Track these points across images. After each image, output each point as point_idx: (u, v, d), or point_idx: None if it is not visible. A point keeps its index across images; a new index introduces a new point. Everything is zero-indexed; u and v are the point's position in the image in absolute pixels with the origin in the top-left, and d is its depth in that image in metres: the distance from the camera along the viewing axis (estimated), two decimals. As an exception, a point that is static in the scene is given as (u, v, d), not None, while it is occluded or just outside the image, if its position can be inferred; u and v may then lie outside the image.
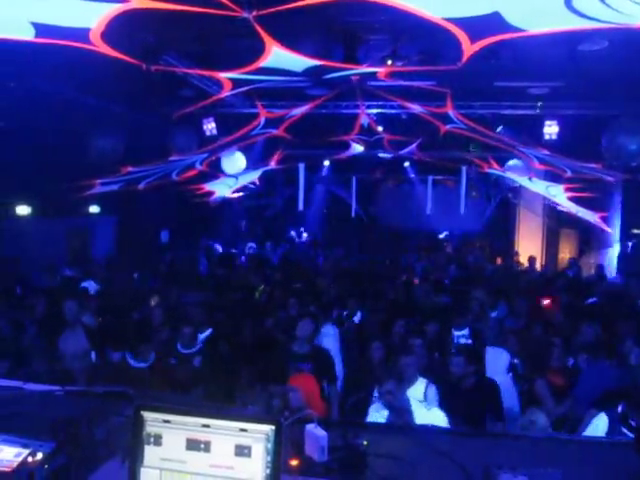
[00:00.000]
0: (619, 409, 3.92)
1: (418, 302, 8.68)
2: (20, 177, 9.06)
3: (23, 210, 10.72)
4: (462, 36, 5.35)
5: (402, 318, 6.81)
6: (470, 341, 6.57)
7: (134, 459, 1.74)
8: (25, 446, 1.87)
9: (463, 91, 8.82)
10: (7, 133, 7.93)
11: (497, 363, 5.68)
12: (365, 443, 2.08)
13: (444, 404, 4.55)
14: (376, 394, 4.64)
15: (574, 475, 2.01)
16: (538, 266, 14.44)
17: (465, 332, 6.77)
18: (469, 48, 5.72)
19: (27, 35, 4.86)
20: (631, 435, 3.58)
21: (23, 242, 10.48)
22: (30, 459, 1.81)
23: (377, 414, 4.05)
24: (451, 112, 9.47)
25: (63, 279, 9.72)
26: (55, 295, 7.57)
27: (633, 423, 3.79)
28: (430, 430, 2.67)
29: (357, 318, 7.85)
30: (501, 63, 6.87)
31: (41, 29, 4.79)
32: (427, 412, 3.98)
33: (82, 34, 5.13)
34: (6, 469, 1.74)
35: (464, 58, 6.06)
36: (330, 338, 6.53)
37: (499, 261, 15.44)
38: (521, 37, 5.18)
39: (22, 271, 9.80)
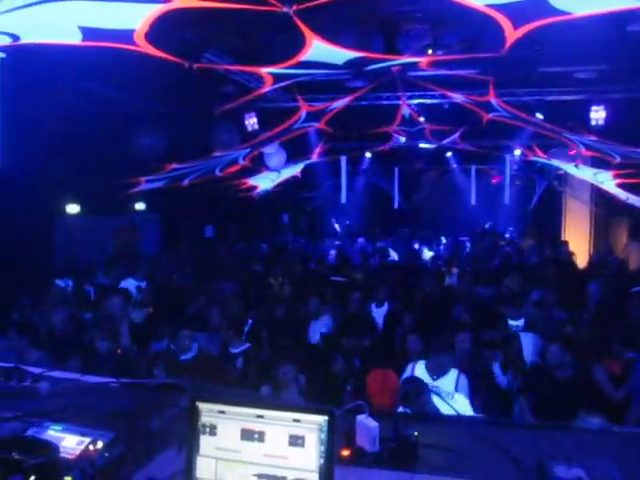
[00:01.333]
0: None
1: (459, 294, 8.61)
2: (70, 177, 9.33)
3: (73, 209, 11.03)
4: (505, 22, 5.25)
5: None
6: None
7: (190, 449, 1.78)
8: (86, 435, 1.93)
9: (506, 78, 8.66)
10: (58, 135, 8.16)
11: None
12: (416, 434, 2.09)
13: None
14: (407, 374, 4.70)
15: (631, 468, 1.97)
16: (586, 255, 14.11)
17: (520, 323, 6.70)
18: (512, 34, 5.60)
19: (75, 39, 4.99)
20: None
21: (73, 240, 10.80)
22: (91, 447, 1.87)
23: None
24: (494, 100, 9.32)
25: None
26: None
27: None
28: (481, 421, 2.65)
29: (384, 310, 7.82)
30: (545, 48, 6.73)
31: (88, 33, 4.92)
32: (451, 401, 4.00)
33: (127, 35, 5.24)
34: (70, 456, 1.81)
35: (507, 45, 5.94)
36: None
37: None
38: (566, 20, 5.05)
39: (76, 268, 10.07)
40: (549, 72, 8.69)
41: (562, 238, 16.01)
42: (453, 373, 4.82)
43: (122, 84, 8.23)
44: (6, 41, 4.79)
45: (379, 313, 7.72)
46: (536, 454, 2.01)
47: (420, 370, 4.86)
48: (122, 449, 1.93)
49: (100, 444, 1.89)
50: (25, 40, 4.86)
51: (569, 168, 13.65)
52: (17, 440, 1.76)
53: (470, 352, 5.69)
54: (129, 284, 8.63)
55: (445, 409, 3.90)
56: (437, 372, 4.81)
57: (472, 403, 4.60)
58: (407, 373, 4.85)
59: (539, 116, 10.01)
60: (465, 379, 4.79)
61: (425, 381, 4.55)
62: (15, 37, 4.75)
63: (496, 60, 6.74)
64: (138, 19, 4.86)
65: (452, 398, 4.56)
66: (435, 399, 4.05)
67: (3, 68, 5.46)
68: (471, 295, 8.38)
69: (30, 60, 5.70)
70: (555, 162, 13.62)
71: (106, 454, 1.86)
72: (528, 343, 5.84)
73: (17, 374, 2.61)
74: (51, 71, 6.62)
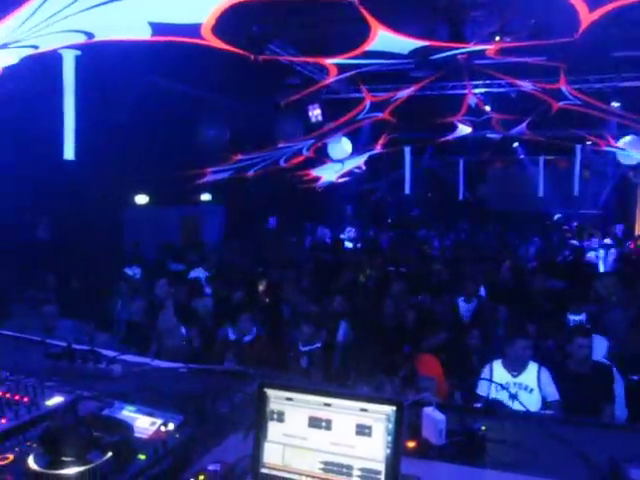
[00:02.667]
0: None
1: (530, 287, 8.39)
2: (138, 168, 9.64)
3: (142, 199, 11.38)
4: (579, 4, 5.04)
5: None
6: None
7: (258, 434, 1.81)
8: (157, 417, 2.00)
9: (577, 65, 8.34)
10: (128, 128, 8.43)
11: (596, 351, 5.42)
12: (483, 428, 2.05)
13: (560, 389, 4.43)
14: (486, 375, 4.62)
15: None
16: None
17: (582, 317, 6.49)
18: (587, 17, 5.38)
19: (145, 35, 5.13)
20: None
21: (142, 229, 11.15)
22: (163, 428, 1.94)
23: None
24: (564, 88, 8.99)
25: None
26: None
27: None
28: (550, 417, 2.59)
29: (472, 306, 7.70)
30: (621, 31, 6.44)
31: (157, 28, 5.04)
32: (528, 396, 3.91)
33: (194, 30, 5.35)
34: (144, 436, 1.88)
35: (581, 28, 5.70)
36: None
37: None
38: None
39: (142, 256, 10.41)
40: (625, 56, 8.32)
41: (637, 232, 15.34)
42: (533, 367, 4.68)
43: (189, 78, 8.40)
44: (81, 39, 4.97)
45: (467, 309, 7.64)
46: (608, 454, 1.94)
47: (498, 369, 4.75)
48: (191, 431, 1.98)
49: (171, 426, 1.94)
50: (98, 38, 5.02)
51: (644, 158, 13.06)
52: (95, 419, 1.84)
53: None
54: (199, 273, 8.87)
55: (529, 405, 3.81)
56: (516, 368, 4.71)
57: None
58: (485, 374, 4.75)
59: (615, 104, 9.60)
60: (547, 372, 4.65)
61: (505, 380, 4.49)
62: (90, 35, 4.92)
63: (567, 45, 6.49)
64: (205, 13, 4.95)
65: (532, 393, 4.48)
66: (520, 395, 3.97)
67: (78, 65, 5.69)
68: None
69: (103, 57, 5.88)
70: (629, 152, 13.03)
71: (177, 435, 1.91)
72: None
73: (93, 357, 2.72)
74: (122, 67, 6.82)
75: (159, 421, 1.97)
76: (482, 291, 8.22)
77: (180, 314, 6.34)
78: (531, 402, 4.29)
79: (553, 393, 4.56)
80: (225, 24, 5.41)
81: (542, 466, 1.98)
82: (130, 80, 7.77)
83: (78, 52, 5.63)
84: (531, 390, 4.55)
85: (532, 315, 6.19)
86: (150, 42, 5.39)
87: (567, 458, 2.01)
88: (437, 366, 5.09)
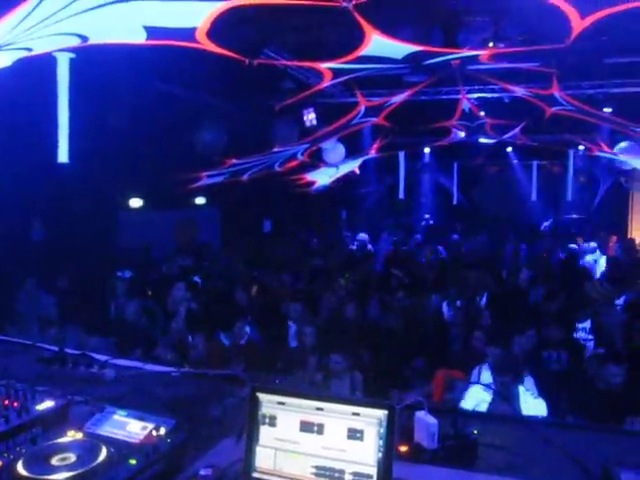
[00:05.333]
0: None
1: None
2: (133, 172, 9.63)
3: (136, 202, 11.36)
4: (571, 11, 5.08)
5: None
6: (591, 336, 6.32)
7: (250, 438, 1.81)
8: (149, 421, 1.99)
9: (570, 71, 8.39)
10: (122, 131, 8.42)
11: None
12: (475, 432, 2.06)
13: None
14: (474, 378, 4.64)
15: None
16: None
17: (587, 325, 6.50)
18: (579, 24, 5.41)
19: (140, 38, 5.13)
20: None
21: (136, 233, 11.13)
22: (154, 433, 1.93)
23: (479, 397, 4.02)
24: (557, 93, 9.04)
25: (180, 268, 10.23)
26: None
27: None
28: (543, 422, 2.59)
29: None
30: (613, 38, 6.47)
31: (152, 32, 5.04)
32: (533, 400, 3.91)
33: (189, 33, 5.35)
34: (135, 441, 1.87)
35: (573, 35, 5.74)
36: None
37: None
38: (637, 7, 4.84)
39: (143, 260, 10.41)
40: (617, 63, 8.37)
41: (629, 237, 15.40)
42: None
43: (183, 81, 8.42)
44: (75, 42, 4.96)
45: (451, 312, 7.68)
46: (601, 458, 1.95)
47: (486, 373, 4.79)
48: (184, 436, 1.98)
49: (163, 430, 1.94)
50: (93, 41, 5.01)
51: (637, 163, 13.11)
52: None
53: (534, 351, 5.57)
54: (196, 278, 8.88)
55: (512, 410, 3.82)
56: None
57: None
58: (474, 377, 4.78)
59: (607, 110, 9.65)
60: (531, 379, 4.69)
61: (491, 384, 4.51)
62: (84, 38, 4.92)
63: (560, 52, 6.53)
64: (200, 17, 4.95)
65: (518, 399, 4.50)
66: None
67: (72, 68, 5.68)
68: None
69: (96, 60, 5.88)
70: (623, 157, 13.10)
71: (168, 440, 1.91)
72: None
73: (85, 361, 2.71)
74: (117, 70, 6.82)
75: (151, 425, 1.96)
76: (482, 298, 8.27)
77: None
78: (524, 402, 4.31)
79: (535, 404, 4.57)
80: (220, 28, 5.41)
81: (534, 470, 1.98)
82: (125, 83, 7.76)
83: (72, 55, 5.62)
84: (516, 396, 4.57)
85: (534, 323, 6.18)
86: (145, 46, 5.39)
87: (559, 462, 2.02)
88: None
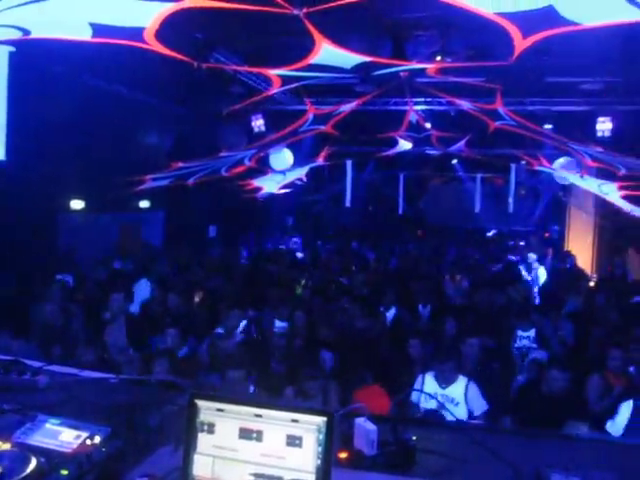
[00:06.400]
0: None
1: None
2: (75, 172, 9.36)
3: (77, 204, 11.04)
4: (514, 31, 5.25)
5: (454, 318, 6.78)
6: (535, 345, 6.49)
7: (188, 446, 1.78)
8: (83, 430, 1.93)
9: (513, 87, 8.66)
10: (63, 129, 8.19)
11: None
12: (414, 438, 2.08)
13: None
14: (418, 386, 4.70)
15: (630, 479, 1.96)
16: (589, 267, 14.11)
17: (531, 333, 6.67)
18: (521, 43, 5.60)
19: (85, 35, 5.01)
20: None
21: (77, 236, 10.81)
22: (88, 442, 1.87)
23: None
24: (501, 109, 9.32)
25: (113, 272, 10.03)
26: (105, 287, 7.86)
27: None
28: (480, 428, 2.65)
29: (391, 314, 7.82)
30: (553, 58, 6.73)
31: (98, 29, 4.93)
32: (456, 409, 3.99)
33: (137, 33, 5.26)
34: (67, 450, 1.81)
35: (515, 54, 5.94)
36: None
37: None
38: (575, 31, 5.05)
39: (76, 263, 10.11)
40: (557, 82, 8.71)
41: (566, 248, 15.98)
42: (462, 381, 4.81)
43: (130, 82, 8.27)
44: (16, 35, 4.81)
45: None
46: (535, 462, 2.01)
47: (429, 380, 4.86)
48: (119, 444, 1.93)
49: (97, 439, 1.89)
50: (35, 35, 4.87)
51: (574, 178, 13.63)
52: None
53: (478, 358, 5.68)
54: (143, 283, 8.67)
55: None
56: (445, 381, 4.82)
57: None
58: (417, 384, 4.84)
59: (547, 126, 10.01)
60: (475, 386, 4.79)
61: (434, 391, 4.58)
62: (25, 31, 4.77)
63: (504, 69, 6.74)
64: (148, 17, 4.88)
65: (458, 406, 4.59)
66: (447, 407, 4.05)
67: (12, 62, 5.49)
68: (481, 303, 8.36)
69: (39, 55, 5.71)
70: (560, 172, 13.60)
71: (103, 449, 1.86)
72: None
73: (17, 367, 2.60)
74: (59, 67, 6.65)
75: (85, 434, 1.90)
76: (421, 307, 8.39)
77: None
78: (457, 415, 4.39)
79: (480, 406, 4.72)
80: (169, 30, 5.35)
81: (471, 475, 2.02)
82: (68, 81, 7.56)
83: (12, 49, 5.43)
84: (457, 403, 4.69)
85: (477, 331, 6.30)
86: (91, 44, 5.27)
87: (494, 466, 2.06)
88: (380, 397, 4.82)
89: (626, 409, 4.33)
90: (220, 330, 6.55)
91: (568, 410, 4.56)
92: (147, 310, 7.54)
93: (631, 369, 5.66)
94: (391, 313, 7.83)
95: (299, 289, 9.58)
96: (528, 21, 4.95)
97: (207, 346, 6.16)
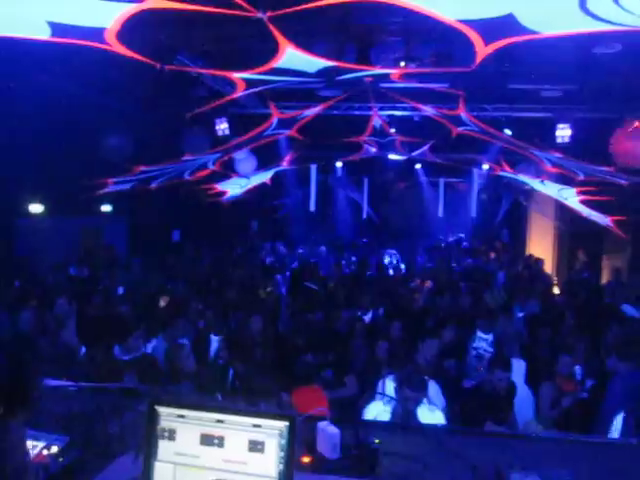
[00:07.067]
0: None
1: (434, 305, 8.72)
2: (34, 176, 9.15)
3: (36, 208, 10.79)
4: (475, 38, 5.33)
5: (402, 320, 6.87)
6: (491, 349, 6.58)
7: (148, 453, 1.75)
8: (40, 440, 1.89)
9: (476, 93, 8.79)
10: (22, 132, 8.00)
11: (517, 374, 5.64)
12: (377, 441, 2.09)
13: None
14: (379, 390, 4.71)
15: (586, 476, 2.00)
16: (550, 269, 14.43)
17: (489, 337, 6.77)
18: (482, 50, 5.69)
19: (43, 34, 4.90)
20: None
21: (36, 240, 10.57)
22: (45, 452, 1.83)
23: (380, 410, 4.08)
24: (463, 114, 9.44)
25: (67, 277, 9.86)
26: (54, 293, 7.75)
27: None
28: (441, 429, 2.67)
29: (368, 317, 7.88)
30: (514, 66, 6.85)
31: (57, 28, 4.83)
32: (430, 414, 4.01)
33: (97, 34, 5.17)
34: (22, 461, 1.76)
35: (477, 60, 6.03)
36: None
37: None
38: (535, 39, 5.15)
39: (32, 269, 9.89)
40: (518, 89, 8.86)
41: (526, 252, 16.30)
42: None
43: (92, 83, 8.10)
44: (-29, 33, 4.68)
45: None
46: (495, 462, 2.03)
47: (390, 384, 4.86)
48: (77, 454, 1.89)
49: (55, 449, 1.85)
50: (-10, 33, 4.75)
51: (535, 184, 13.91)
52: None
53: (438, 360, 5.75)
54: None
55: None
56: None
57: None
58: (378, 388, 4.85)
59: (507, 132, 10.19)
60: (434, 384, 4.82)
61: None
62: (-20, 30, 4.65)
63: (467, 75, 6.83)
64: (109, 17, 4.80)
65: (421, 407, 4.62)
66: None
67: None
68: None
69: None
70: (521, 177, 13.87)
71: (60, 459, 1.82)
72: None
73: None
74: (17, 67, 6.49)
75: (41, 444, 1.86)
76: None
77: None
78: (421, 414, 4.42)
79: (441, 403, 4.77)
80: (130, 31, 5.26)
81: (432, 476, 2.04)
82: (27, 81, 7.38)
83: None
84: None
85: (434, 333, 6.36)
86: (50, 43, 5.16)
87: (455, 467, 2.09)
88: (318, 398, 4.86)
89: (617, 423, 4.20)
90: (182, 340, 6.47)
91: (511, 408, 4.68)
92: (109, 314, 7.42)
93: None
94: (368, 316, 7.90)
95: (263, 294, 9.54)
96: (489, 28, 5.03)
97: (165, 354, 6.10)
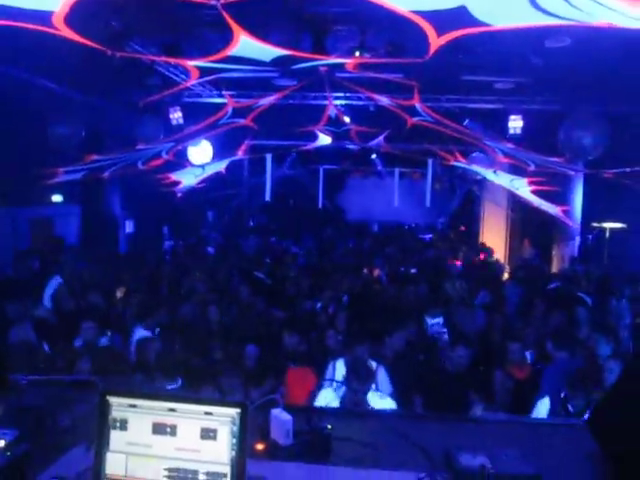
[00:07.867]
0: (562, 394, 4.10)
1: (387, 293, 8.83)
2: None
3: (-18, 199, 10.43)
4: (428, 29, 5.39)
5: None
6: (445, 329, 6.71)
7: (100, 444, 1.74)
8: (-13, 433, 1.85)
9: (430, 84, 8.89)
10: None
11: None
12: (329, 427, 2.12)
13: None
14: (328, 377, 4.77)
15: (533, 455, 2.08)
16: (502, 258, 14.78)
17: (439, 320, 6.91)
18: (435, 41, 5.75)
19: (-14, 17, 4.74)
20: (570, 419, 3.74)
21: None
22: (-8, 446, 1.80)
23: (331, 397, 4.14)
24: (418, 105, 9.54)
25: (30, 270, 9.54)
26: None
27: (571, 408, 3.98)
28: (392, 414, 2.73)
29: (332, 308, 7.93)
30: (467, 57, 6.96)
31: (1, 11, 4.67)
32: (380, 400, 4.08)
33: (45, 17, 5.02)
34: (-32, 455, 1.73)
35: (430, 51, 6.10)
36: None
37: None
38: (487, 32, 5.24)
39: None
40: (471, 80, 9.02)
41: (480, 241, 16.63)
42: (371, 366, 4.90)
43: (40, 68, 7.86)
44: None
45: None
46: (444, 444, 2.09)
47: (340, 368, 4.92)
48: (26, 447, 1.86)
49: (2, 442, 1.81)
50: None
51: (488, 174, 14.17)
52: None
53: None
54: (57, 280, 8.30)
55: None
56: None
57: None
58: (328, 372, 4.90)
59: (464, 123, 10.36)
60: (383, 370, 4.89)
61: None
62: None
63: (421, 66, 6.90)
64: (57, 0, 4.66)
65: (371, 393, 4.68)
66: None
67: None
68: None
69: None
70: (475, 167, 14.12)
71: (8, 453, 1.78)
72: None
73: None
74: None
75: (-12, 438, 1.82)
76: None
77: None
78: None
79: (387, 389, 4.83)
80: (79, 15, 5.13)
81: (383, 460, 2.08)
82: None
83: None
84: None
85: (389, 319, 6.44)
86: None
87: (406, 450, 2.14)
88: (310, 379, 5.00)
89: (542, 407, 4.41)
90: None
91: (472, 386, 4.81)
92: (59, 307, 7.26)
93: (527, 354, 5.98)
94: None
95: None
96: (442, 20, 5.09)
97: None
